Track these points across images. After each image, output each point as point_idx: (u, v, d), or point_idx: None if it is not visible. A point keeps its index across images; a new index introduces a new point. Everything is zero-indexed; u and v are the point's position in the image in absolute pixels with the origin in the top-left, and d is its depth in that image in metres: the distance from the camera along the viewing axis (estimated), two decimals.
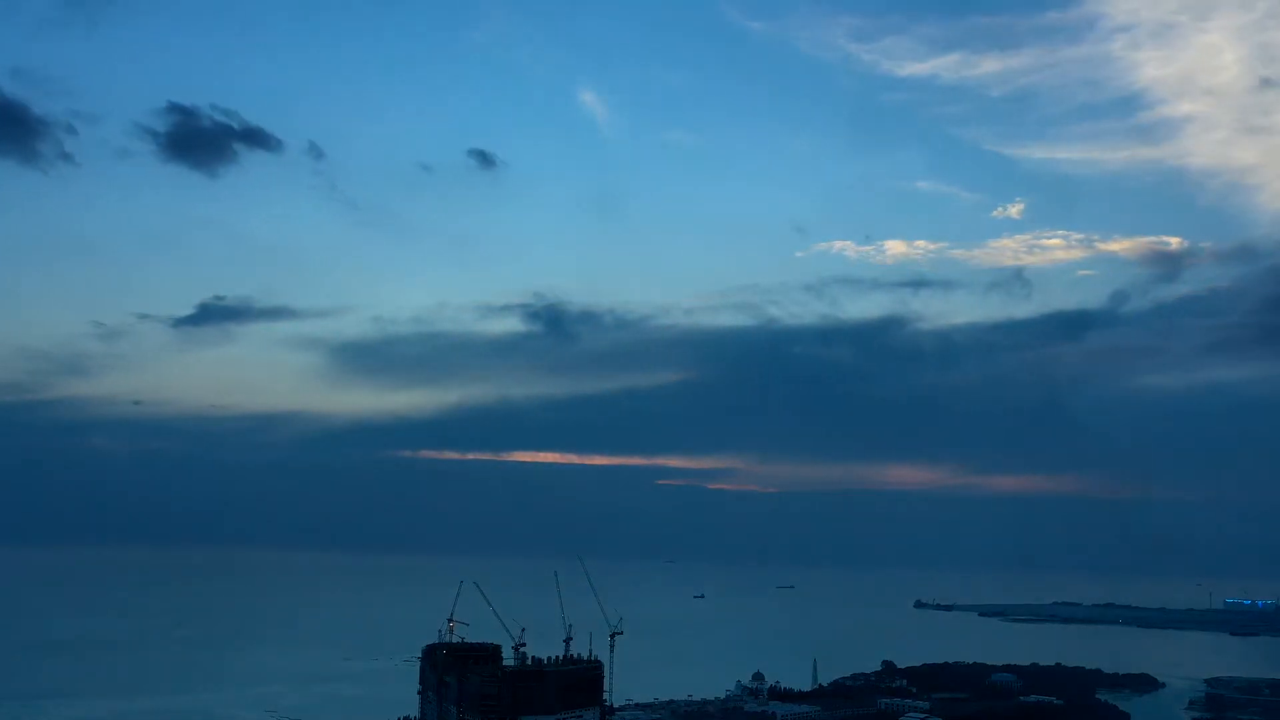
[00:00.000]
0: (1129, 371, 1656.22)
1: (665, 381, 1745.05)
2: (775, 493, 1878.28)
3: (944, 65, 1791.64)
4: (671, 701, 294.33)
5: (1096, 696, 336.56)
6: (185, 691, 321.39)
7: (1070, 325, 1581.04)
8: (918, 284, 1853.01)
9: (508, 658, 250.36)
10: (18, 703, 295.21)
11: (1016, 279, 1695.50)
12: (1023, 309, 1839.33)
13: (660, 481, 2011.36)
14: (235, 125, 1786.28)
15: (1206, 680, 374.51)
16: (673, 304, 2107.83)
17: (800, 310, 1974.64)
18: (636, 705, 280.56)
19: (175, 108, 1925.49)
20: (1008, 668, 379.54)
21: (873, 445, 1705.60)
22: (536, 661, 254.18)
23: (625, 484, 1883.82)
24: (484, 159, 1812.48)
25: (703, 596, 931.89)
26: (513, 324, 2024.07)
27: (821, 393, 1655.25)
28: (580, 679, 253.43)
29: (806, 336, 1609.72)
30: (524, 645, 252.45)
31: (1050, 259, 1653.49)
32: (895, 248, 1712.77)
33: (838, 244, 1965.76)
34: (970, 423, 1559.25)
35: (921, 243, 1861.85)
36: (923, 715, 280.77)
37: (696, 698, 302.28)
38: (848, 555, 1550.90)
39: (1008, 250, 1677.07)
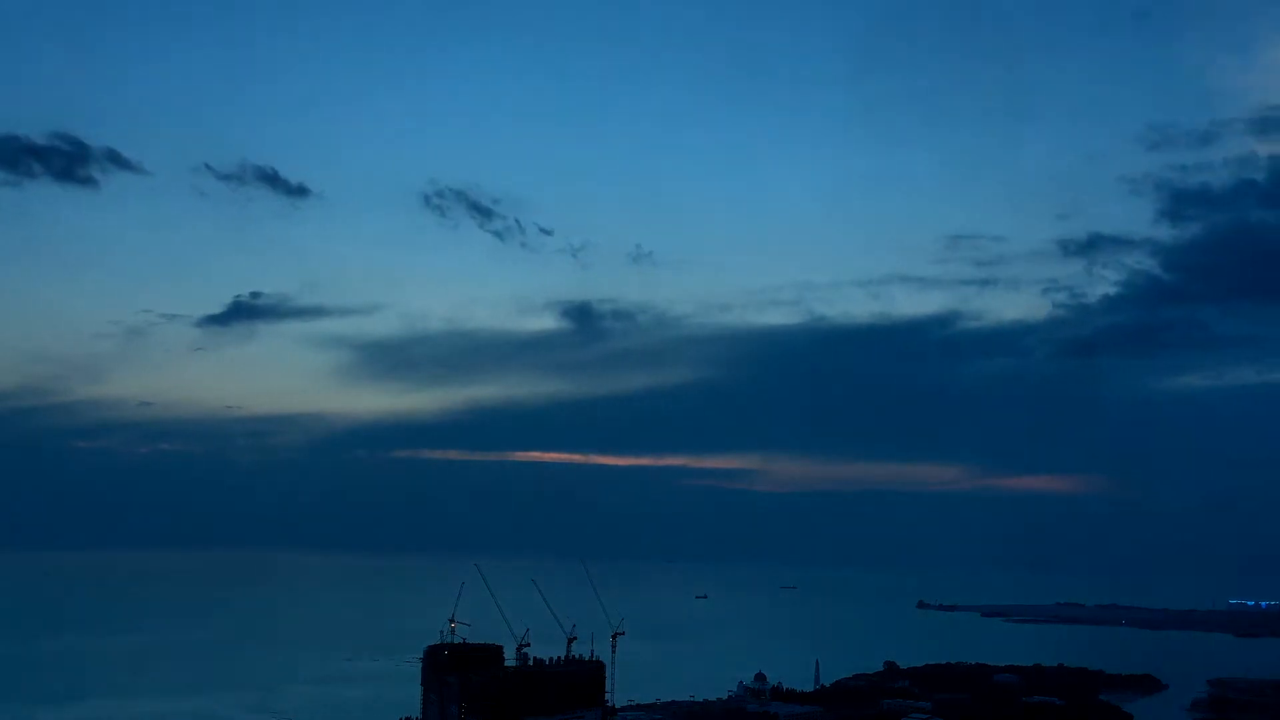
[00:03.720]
0: (1155, 373, 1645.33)
1: (697, 380, 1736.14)
2: (792, 494, 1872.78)
3: None
4: (674, 702, 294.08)
5: (1099, 698, 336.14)
6: (187, 692, 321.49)
7: (1103, 325, 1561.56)
8: (982, 283, 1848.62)
9: (510, 658, 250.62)
10: (18, 703, 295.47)
11: (1084, 276, 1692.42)
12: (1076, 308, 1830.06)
13: (683, 482, 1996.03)
14: None
15: (1209, 681, 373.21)
16: (718, 302, 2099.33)
17: (852, 309, 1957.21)
18: (638, 706, 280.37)
19: None
20: (1010, 669, 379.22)
21: (891, 446, 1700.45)
22: (539, 662, 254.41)
23: (647, 485, 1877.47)
24: None
25: (706, 597, 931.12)
26: (547, 323, 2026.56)
27: (852, 392, 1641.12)
28: (582, 679, 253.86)
29: (853, 335, 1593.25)
30: (527, 645, 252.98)
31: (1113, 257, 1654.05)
32: (955, 246, 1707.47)
33: (896, 243, 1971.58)
34: (993, 423, 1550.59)
35: (983, 241, 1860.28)
36: (925, 716, 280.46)
37: (698, 698, 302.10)
38: (857, 556, 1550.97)
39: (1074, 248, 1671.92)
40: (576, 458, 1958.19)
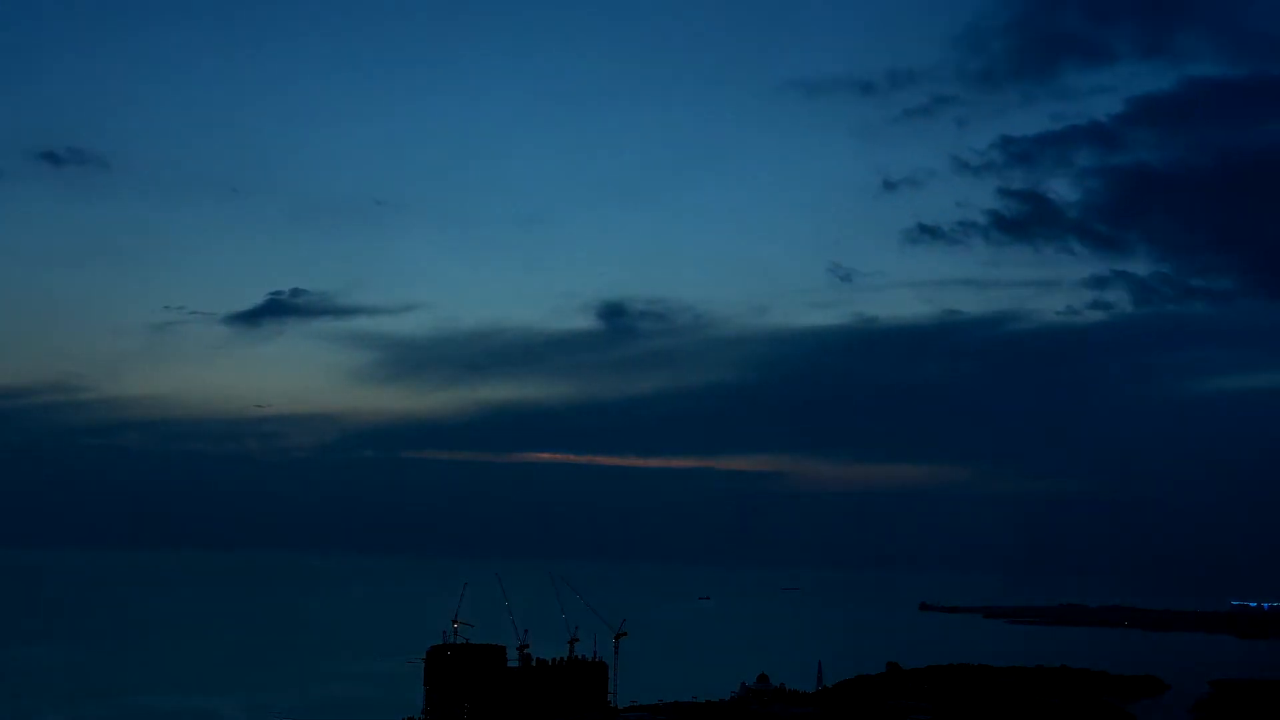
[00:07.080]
0: (1166, 373, 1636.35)
1: (729, 382, 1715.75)
2: (804, 496, 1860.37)
3: None
4: (676, 703, 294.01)
5: (1102, 699, 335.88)
6: (189, 691, 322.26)
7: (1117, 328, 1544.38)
8: (1043, 284, 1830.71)
9: (512, 659, 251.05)
10: (20, 701, 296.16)
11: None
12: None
13: (704, 485, 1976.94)
14: None
15: (1212, 683, 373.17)
16: (766, 302, 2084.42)
17: (902, 310, 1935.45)
18: (641, 706, 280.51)
19: None
20: (1012, 670, 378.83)
21: (903, 448, 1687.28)
22: (541, 663, 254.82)
23: (666, 487, 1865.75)
24: None
25: (709, 598, 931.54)
26: (581, 323, 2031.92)
27: (869, 395, 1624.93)
28: (584, 680, 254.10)
29: (896, 336, 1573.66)
30: (528, 646, 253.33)
31: None
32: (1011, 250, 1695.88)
33: (953, 243, 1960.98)
34: (1003, 422, 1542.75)
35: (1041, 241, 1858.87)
36: (928, 718, 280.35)
37: (701, 699, 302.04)
38: (863, 556, 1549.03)
39: None
40: (584, 459, 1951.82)
